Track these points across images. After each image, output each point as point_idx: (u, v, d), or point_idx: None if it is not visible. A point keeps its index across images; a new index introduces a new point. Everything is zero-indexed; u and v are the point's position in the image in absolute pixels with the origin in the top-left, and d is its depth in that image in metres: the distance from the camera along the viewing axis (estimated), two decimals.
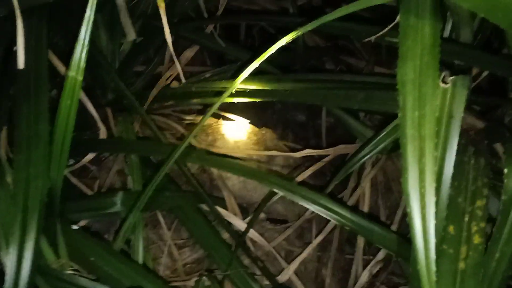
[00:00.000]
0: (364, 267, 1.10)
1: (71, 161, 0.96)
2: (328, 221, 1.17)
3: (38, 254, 0.59)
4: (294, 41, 1.49)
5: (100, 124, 0.96)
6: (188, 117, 1.41)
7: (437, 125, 0.41)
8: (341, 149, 1.17)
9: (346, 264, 1.19)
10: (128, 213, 0.73)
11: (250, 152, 1.27)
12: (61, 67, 0.86)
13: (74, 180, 0.94)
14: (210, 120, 1.45)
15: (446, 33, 0.77)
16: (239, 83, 1.15)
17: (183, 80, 1.06)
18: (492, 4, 0.36)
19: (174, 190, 0.95)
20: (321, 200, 0.80)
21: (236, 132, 1.37)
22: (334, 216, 0.79)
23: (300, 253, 1.06)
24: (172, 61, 1.47)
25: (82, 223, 0.87)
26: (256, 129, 1.40)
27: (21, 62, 0.54)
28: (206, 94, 1.21)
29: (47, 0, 0.63)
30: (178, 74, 1.44)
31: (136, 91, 1.38)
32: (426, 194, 0.37)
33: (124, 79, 1.38)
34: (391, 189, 1.19)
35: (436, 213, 0.55)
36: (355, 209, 1.10)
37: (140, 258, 0.78)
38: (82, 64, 0.54)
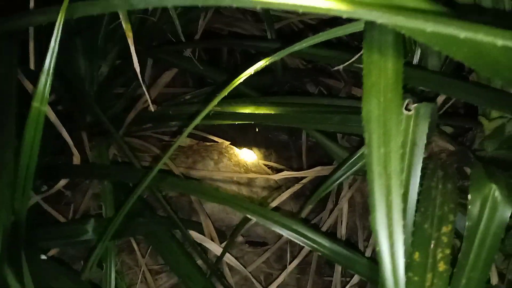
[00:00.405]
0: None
1: (44, 187, 0.95)
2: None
3: (2, 286, 0.58)
4: (274, 63, 1.52)
5: (74, 150, 0.94)
6: (166, 138, 1.41)
7: (401, 159, 0.41)
8: (319, 171, 1.17)
9: (325, 286, 1.18)
10: (97, 241, 0.72)
11: (230, 174, 1.27)
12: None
13: (46, 206, 0.92)
14: (190, 142, 1.45)
15: (416, 60, 0.79)
16: (214, 106, 1.17)
17: (151, 106, 1.05)
18: (444, 39, 0.36)
19: (148, 216, 0.94)
20: (295, 226, 0.80)
21: (216, 154, 1.37)
22: (308, 242, 0.79)
23: (278, 277, 1.05)
24: (152, 83, 1.48)
25: (54, 251, 0.85)
26: (237, 150, 1.40)
27: None
28: (183, 117, 1.21)
29: (21, 27, 0.63)
30: (157, 96, 1.45)
31: (115, 113, 1.38)
32: (394, 232, 0.37)
33: (104, 102, 1.38)
34: (369, 210, 1.19)
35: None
36: (330, 233, 1.10)
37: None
38: (46, 94, 0.53)
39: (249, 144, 1.55)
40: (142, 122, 1.30)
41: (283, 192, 1.28)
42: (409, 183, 0.56)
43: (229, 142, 1.46)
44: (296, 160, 1.59)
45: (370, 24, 0.45)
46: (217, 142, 1.45)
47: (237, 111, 1.11)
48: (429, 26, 0.32)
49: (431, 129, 0.57)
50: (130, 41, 0.61)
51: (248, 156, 1.43)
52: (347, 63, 0.65)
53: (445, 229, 0.56)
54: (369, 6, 0.34)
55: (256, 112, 1.06)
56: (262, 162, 1.47)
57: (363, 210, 1.20)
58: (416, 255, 0.54)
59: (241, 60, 1.77)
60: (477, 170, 0.59)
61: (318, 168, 1.17)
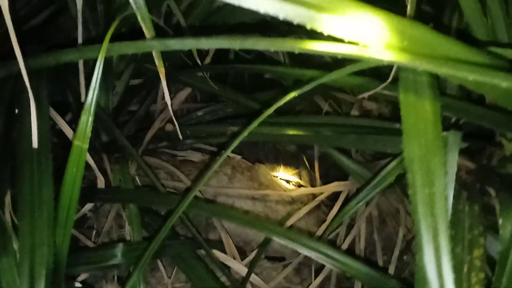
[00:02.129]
0: None
1: None
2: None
3: None
4: (284, 77, 1.53)
5: (98, 173, 0.96)
6: (180, 154, 1.42)
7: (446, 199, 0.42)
8: (335, 186, 1.19)
9: None
10: (132, 271, 0.73)
11: (246, 191, 1.28)
12: (64, 126, 0.87)
13: (73, 231, 0.94)
14: (202, 157, 1.47)
15: None
16: (229, 127, 1.19)
17: (176, 126, 1.07)
18: (482, 85, 0.38)
19: (172, 237, 0.96)
20: (315, 245, 0.81)
21: (229, 169, 1.38)
22: (329, 260, 0.80)
23: None
24: (164, 100, 1.50)
25: (82, 276, 0.86)
26: (249, 164, 1.41)
27: (34, 140, 0.55)
28: (202, 136, 1.23)
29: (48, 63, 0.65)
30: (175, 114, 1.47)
31: (130, 132, 1.40)
32: (444, 274, 0.39)
33: (118, 118, 1.40)
34: (386, 223, 1.20)
35: None
36: (350, 251, 1.11)
37: None
38: (88, 132, 0.55)
39: (257, 156, 1.56)
40: (158, 141, 1.32)
41: (299, 208, 1.30)
42: None
43: (241, 156, 1.47)
44: (306, 172, 1.61)
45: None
46: (229, 156, 1.47)
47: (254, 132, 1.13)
48: (474, 76, 0.33)
49: None
50: (162, 77, 0.62)
51: (260, 170, 1.45)
52: (373, 91, 0.67)
53: (476, 252, 0.58)
54: (414, 55, 0.35)
55: (273, 132, 1.08)
56: (273, 174, 1.48)
57: (380, 223, 1.21)
58: None
59: (247, 78, 1.78)
60: (504, 194, 0.60)
61: (335, 183, 1.19)
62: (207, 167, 1.39)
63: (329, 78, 0.59)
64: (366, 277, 0.78)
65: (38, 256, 0.56)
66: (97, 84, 0.55)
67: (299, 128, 1.05)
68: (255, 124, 0.72)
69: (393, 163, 0.90)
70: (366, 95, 0.68)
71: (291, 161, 1.61)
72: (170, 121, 1.37)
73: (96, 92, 0.56)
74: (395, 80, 0.55)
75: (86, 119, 0.55)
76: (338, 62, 0.66)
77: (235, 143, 0.73)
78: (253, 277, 1.05)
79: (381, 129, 1.00)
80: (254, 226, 0.84)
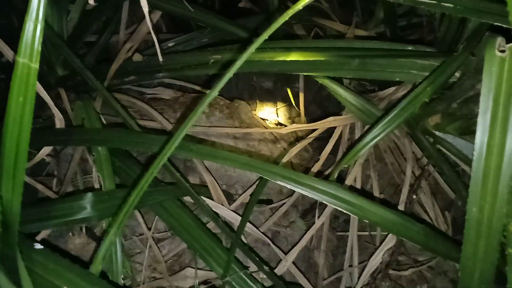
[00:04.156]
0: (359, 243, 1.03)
1: None
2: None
3: None
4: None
5: (55, 111, 0.79)
6: (149, 92, 1.25)
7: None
8: (331, 122, 1.07)
9: (339, 242, 1.11)
10: (108, 227, 0.59)
11: (228, 130, 1.14)
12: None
13: (29, 179, 0.78)
14: (174, 94, 1.30)
15: None
16: (213, 54, 1.02)
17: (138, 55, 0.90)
18: None
19: (152, 184, 0.81)
20: (327, 188, 0.69)
21: (206, 106, 1.23)
22: (338, 202, 0.69)
23: (298, 241, 0.96)
24: (129, 30, 1.30)
25: (43, 234, 0.72)
26: (227, 101, 1.27)
27: None
28: (176, 68, 1.06)
29: None
30: (139, 46, 1.27)
31: (89, 66, 1.20)
32: None
33: (75, 50, 1.20)
34: (384, 161, 1.10)
35: (494, 208, 0.46)
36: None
37: (119, 276, 0.65)
38: (37, 47, 0.38)
39: (230, 93, 1.42)
40: (125, 74, 1.13)
41: (284, 147, 1.18)
42: (505, 142, 0.46)
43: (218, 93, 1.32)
44: (285, 109, 1.47)
45: None
46: (204, 93, 1.31)
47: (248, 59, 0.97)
48: None
49: None
50: None
51: (241, 107, 1.30)
52: None
53: None
54: None
55: (265, 60, 0.92)
56: (254, 113, 1.35)
57: (377, 160, 1.11)
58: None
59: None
60: None
61: (331, 118, 1.06)
62: (181, 105, 1.23)
63: None
64: (380, 219, 0.67)
65: None
66: None
67: (297, 52, 0.90)
68: (252, 49, 0.57)
69: (413, 94, 0.77)
70: None
71: (268, 98, 1.48)
72: (137, 51, 1.19)
73: None
74: None
75: (33, 29, 0.38)
76: None
77: (230, 72, 0.58)
78: (247, 226, 0.93)
79: (390, 52, 0.87)
80: (251, 168, 0.70)
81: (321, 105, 1.47)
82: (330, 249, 1.11)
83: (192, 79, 1.31)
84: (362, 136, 0.73)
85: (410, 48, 0.88)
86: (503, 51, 0.46)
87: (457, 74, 0.78)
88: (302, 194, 1.12)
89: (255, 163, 0.73)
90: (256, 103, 1.44)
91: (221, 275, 0.73)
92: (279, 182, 0.73)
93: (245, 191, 1.03)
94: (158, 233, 0.97)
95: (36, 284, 0.52)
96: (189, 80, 1.30)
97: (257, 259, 0.77)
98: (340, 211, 1.16)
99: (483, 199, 0.47)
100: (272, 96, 1.48)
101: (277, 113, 1.42)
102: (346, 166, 0.83)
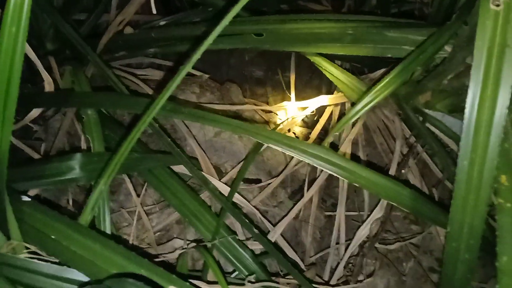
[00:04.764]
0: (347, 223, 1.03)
1: None
2: (302, 179, 1.09)
3: None
4: None
5: (45, 74, 0.78)
6: (139, 72, 1.24)
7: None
8: (322, 100, 1.07)
9: (327, 221, 1.11)
10: (97, 179, 0.59)
11: (219, 107, 1.13)
12: None
13: (17, 142, 0.77)
14: (163, 75, 1.30)
15: None
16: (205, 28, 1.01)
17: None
18: None
19: (142, 151, 0.81)
20: (320, 152, 0.69)
21: (196, 87, 1.22)
22: (329, 166, 0.68)
23: (286, 214, 0.96)
24: (119, 8, 1.28)
25: (31, 193, 0.71)
26: (218, 84, 1.26)
27: None
28: (168, 42, 1.05)
29: None
30: (130, 21, 1.26)
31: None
32: None
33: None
34: (373, 142, 1.11)
35: (484, 161, 0.46)
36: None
37: (108, 230, 0.64)
38: (26, 11, 0.37)
39: (222, 82, 1.41)
40: (116, 49, 1.12)
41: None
42: (497, 95, 0.46)
43: (209, 75, 1.31)
44: (276, 97, 1.47)
45: None
46: (195, 75, 1.31)
47: (233, 34, 0.97)
48: None
49: None
50: None
51: (232, 90, 1.30)
52: None
53: None
54: None
55: (252, 27, 0.92)
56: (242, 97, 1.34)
57: (366, 141, 1.11)
58: (503, 179, 0.46)
59: None
60: None
61: (321, 97, 1.06)
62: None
63: None
64: (370, 182, 0.67)
65: None
66: None
67: (289, 24, 0.90)
68: (228, 18, 0.57)
69: (397, 69, 0.78)
70: None
71: (259, 86, 1.48)
72: (129, 24, 1.18)
73: None
74: None
75: None
76: None
77: (210, 39, 0.58)
78: (238, 198, 0.93)
79: (384, 24, 0.87)
80: (242, 131, 0.70)
81: (313, 92, 1.48)
82: (318, 227, 1.11)
83: (183, 60, 1.30)
84: (353, 107, 0.74)
85: (402, 21, 0.89)
86: (497, 5, 0.46)
87: (449, 49, 0.79)
88: (290, 175, 1.14)
89: (247, 127, 0.73)
90: (247, 91, 1.44)
91: (210, 239, 0.72)
92: (271, 145, 0.72)
93: (234, 167, 1.03)
94: (146, 206, 0.96)
95: (23, 232, 0.51)
96: (180, 60, 1.29)
97: (247, 221, 0.77)
98: (328, 194, 1.17)
99: (474, 152, 0.47)
100: (264, 84, 1.48)
101: (267, 102, 1.42)
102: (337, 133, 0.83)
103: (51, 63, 0.95)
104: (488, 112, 0.47)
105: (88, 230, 0.53)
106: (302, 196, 1.05)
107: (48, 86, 0.79)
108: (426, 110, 0.95)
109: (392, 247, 0.90)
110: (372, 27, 0.88)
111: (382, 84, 0.72)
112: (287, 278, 0.83)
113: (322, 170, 1.03)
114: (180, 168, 0.91)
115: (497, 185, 0.47)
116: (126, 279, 0.43)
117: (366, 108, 0.73)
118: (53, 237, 0.52)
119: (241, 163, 1.01)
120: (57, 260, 0.52)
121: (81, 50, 0.89)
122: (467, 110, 0.47)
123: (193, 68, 1.27)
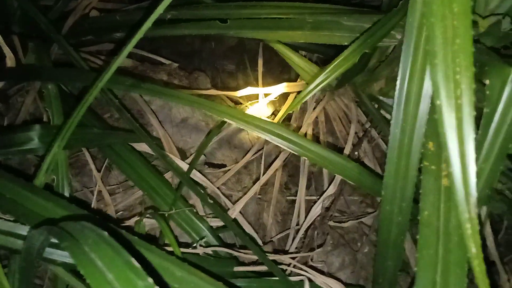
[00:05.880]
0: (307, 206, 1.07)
1: None
2: (267, 166, 1.12)
3: None
4: None
5: (7, 50, 0.79)
6: (103, 57, 1.25)
7: None
8: (284, 87, 1.11)
9: (288, 205, 1.15)
10: (49, 147, 0.60)
11: (182, 92, 1.15)
12: None
13: None
14: (133, 63, 1.30)
15: None
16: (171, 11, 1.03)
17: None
18: None
19: (102, 127, 0.82)
20: (277, 130, 0.72)
21: (164, 75, 1.24)
22: (292, 146, 0.72)
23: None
24: None
25: None
26: (187, 72, 1.28)
27: None
28: (134, 27, 1.06)
29: None
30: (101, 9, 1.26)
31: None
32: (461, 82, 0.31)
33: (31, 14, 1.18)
34: (333, 128, 1.15)
35: (414, 129, 0.51)
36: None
37: (66, 194, 0.66)
38: None
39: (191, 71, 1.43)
40: (82, 33, 1.13)
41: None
42: (426, 68, 0.50)
43: (178, 64, 1.33)
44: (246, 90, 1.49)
45: None
46: (164, 63, 1.32)
47: (195, 18, 0.99)
48: None
49: None
50: None
51: (200, 78, 1.32)
52: None
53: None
54: None
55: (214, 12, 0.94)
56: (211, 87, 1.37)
57: (326, 129, 1.16)
58: (430, 145, 0.50)
59: None
60: (493, 56, 0.54)
61: (284, 84, 1.10)
62: (140, 72, 1.24)
63: None
64: (320, 157, 0.71)
65: None
66: None
67: (248, 9, 0.93)
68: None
69: (346, 52, 0.82)
70: None
71: (230, 80, 1.51)
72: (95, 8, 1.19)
73: None
74: None
75: None
76: None
77: (152, 18, 0.60)
78: (199, 176, 0.96)
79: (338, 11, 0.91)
80: (209, 109, 0.73)
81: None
82: (279, 209, 1.15)
83: (152, 51, 1.32)
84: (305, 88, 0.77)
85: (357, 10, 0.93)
86: None
87: (399, 37, 0.84)
88: (255, 161, 1.17)
89: (208, 103, 0.76)
90: (219, 84, 1.46)
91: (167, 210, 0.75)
92: (229, 121, 0.75)
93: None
94: (109, 186, 0.98)
95: None
96: (149, 51, 1.31)
97: (203, 193, 0.79)
98: (293, 182, 1.20)
99: (405, 121, 0.52)
100: (235, 78, 1.51)
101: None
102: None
103: (15, 42, 0.95)
104: (417, 84, 0.51)
105: (42, 190, 0.55)
106: (266, 180, 1.09)
107: (10, 61, 0.80)
108: (381, 97, 0.99)
109: (345, 225, 0.94)
110: (330, 14, 0.92)
111: (332, 66, 0.76)
112: (242, 252, 0.86)
113: (281, 151, 1.07)
114: (143, 147, 0.93)
115: (424, 150, 0.51)
116: (82, 222, 0.44)
117: (318, 88, 0.77)
118: (8, 196, 0.54)
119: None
120: (11, 218, 0.54)
121: (45, 30, 0.90)
122: (398, 82, 0.51)
123: (163, 57, 1.29)
